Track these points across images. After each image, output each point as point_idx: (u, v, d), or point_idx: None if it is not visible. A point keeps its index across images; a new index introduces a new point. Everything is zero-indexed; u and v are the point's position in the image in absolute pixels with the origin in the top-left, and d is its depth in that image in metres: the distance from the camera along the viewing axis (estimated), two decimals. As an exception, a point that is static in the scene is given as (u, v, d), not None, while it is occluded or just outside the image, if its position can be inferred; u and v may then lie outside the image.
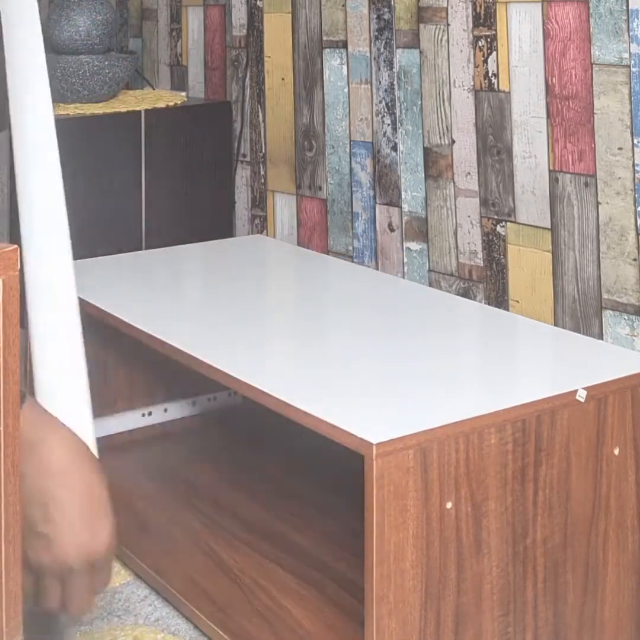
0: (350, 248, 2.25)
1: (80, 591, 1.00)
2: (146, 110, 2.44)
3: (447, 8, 1.99)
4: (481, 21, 1.93)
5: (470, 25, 1.95)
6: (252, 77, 2.49)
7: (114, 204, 2.40)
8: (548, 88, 1.82)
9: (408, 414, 1.29)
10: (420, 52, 2.05)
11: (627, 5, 1.68)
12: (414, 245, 2.10)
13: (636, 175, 1.70)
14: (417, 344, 1.54)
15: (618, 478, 1.37)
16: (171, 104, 2.53)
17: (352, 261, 2.23)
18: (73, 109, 2.44)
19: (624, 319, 1.73)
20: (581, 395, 1.33)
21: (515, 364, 1.52)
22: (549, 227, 1.85)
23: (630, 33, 1.68)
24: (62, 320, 1.12)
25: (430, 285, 2.06)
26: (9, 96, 1.31)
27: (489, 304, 1.94)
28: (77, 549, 0.97)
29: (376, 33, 2.14)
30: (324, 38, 2.27)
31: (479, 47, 1.94)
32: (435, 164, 2.05)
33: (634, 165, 1.70)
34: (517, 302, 1.90)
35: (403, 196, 2.12)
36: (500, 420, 1.27)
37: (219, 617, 1.46)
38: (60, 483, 1.01)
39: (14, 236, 2.07)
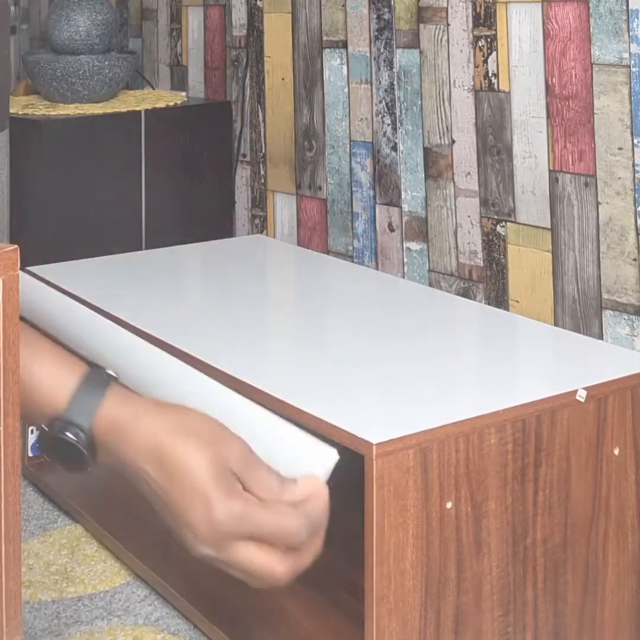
0: (350, 248, 2.25)
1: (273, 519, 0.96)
2: (146, 110, 2.44)
3: (447, 8, 1.99)
4: (481, 21, 1.93)
5: (470, 25, 1.95)
6: (252, 77, 2.49)
7: (114, 203, 2.40)
8: (548, 88, 1.82)
9: (408, 414, 1.29)
10: (420, 52, 2.05)
11: (627, 5, 1.68)
12: (414, 245, 2.10)
13: (636, 175, 1.70)
14: (417, 344, 1.54)
15: (618, 478, 1.37)
16: (171, 104, 2.53)
17: (352, 261, 2.23)
18: (73, 109, 2.44)
19: (624, 319, 1.73)
20: (581, 395, 1.33)
21: (515, 364, 1.52)
22: (549, 227, 1.85)
23: (630, 33, 1.68)
24: None
25: (430, 285, 2.06)
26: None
27: (489, 304, 1.94)
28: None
29: (376, 33, 2.14)
30: (324, 38, 2.27)
31: (479, 47, 1.94)
32: (435, 164, 2.05)
33: (634, 165, 1.70)
34: (517, 302, 1.90)
35: (403, 196, 2.12)
36: (500, 420, 1.27)
37: (219, 617, 1.46)
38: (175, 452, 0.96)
39: (14, 236, 2.07)
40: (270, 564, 1.00)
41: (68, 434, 0.96)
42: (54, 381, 0.98)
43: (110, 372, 1.02)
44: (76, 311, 1.36)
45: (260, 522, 0.96)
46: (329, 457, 1.04)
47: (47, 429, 0.98)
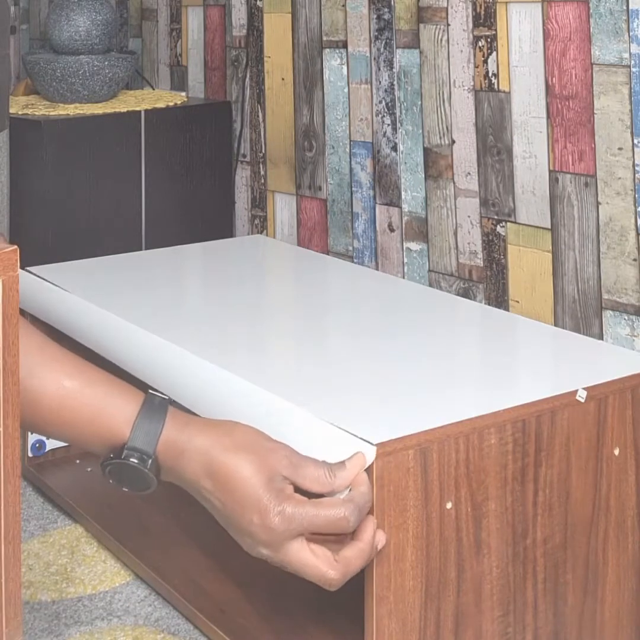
0: (350, 248, 2.25)
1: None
2: (146, 110, 2.44)
3: (447, 8, 1.99)
4: (481, 21, 1.93)
5: (470, 25, 1.95)
6: (252, 77, 2.49)
7: (114, 204, 2.40)
8: (548, 88, 1.82)
9: (408, 414, 1.29)
10: (420, 52, 2.05)
11: (627, 5, 1.68)
12: (414, 246, 2.10)
13: (636, 175, 1.70)
14: (417, 344, 1.54)
15: (618, 478, 1.37)
16: (171, 104, 2.53)
17: (352, 261, 2.23)
18: (73, 109, 2.44)
19: (624, 319, 1.73)
20: (581, 396, 1.33)
21: (515, 364, 1.52)
22: (549, 227, 1.85)
23: (631, 33, 1.68)
24: None
25: (430, 285, 2.06)
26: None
27: (489, 304, 1.94)
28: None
29: (376, 33, 2.14)
30: (324, 38, 2.27)
31: (479, 47, 1.94)
32: (435, 164, 2.05)
33: (634, 165, 1.70)
34: (517, 302, 1.90)
35: (403, 196, 2.12)
36: (500, 420, 1.27)
37: (219, 617, 1.46)
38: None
39: (14, 236, 2.07)
40: (321, 568, 1.10)
41: (134, 460, 1.07)
42: (114, 411, 1.08)
43: (165, 396, 1.12)
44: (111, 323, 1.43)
45: (311, 517, 1.06)
46: (368, 452, 1.14)
47: (112, 456, 1.08)
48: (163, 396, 1.11)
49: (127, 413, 1.08)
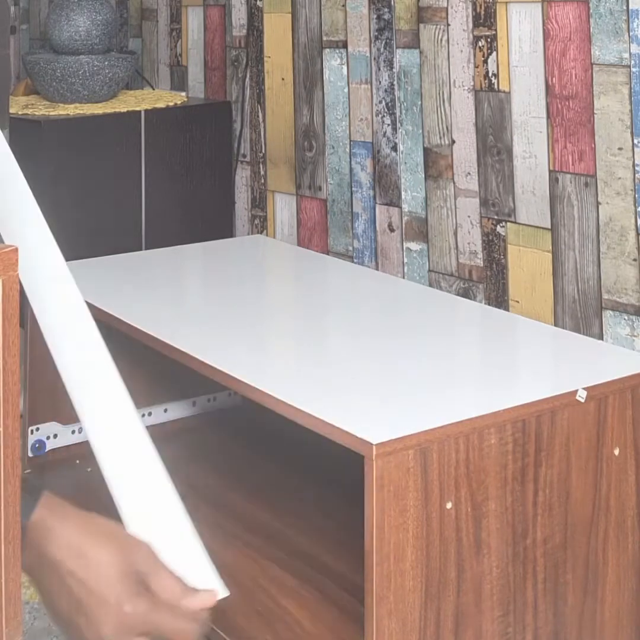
0: (350, 248, 2.25)
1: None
2: (146, 110, 2.44)
3: (447, 8, 1.99)
4: (481, 21, 1.93)
5: (470, 25, 1.95)
6: (252, 77, 2.49)
7: (114, 204, 2.40)
8: (548, 88, 1.82)
9: (408, 414, 1.29)
10: (420, 52, 2.05)
11: (627, 5, 1.68)
12: (414, 246, 2.10)
13: (636, 175, 1.70)
14: (417, 344, 1.54)
15: (618, 478, 1.37)
16: (171, 104, 2.53)
17: (352, 261, 2.23)
18: (73, 109, 2.44)
19: (624, 319, 1.73)
20: (581, 396, 1.33)
21: (515, 364, 1.51)
22: (549, 227, 1.85)
23: (630, 33, 1.68)
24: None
25: (430, 285, 2.06)
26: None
27: (489, 304, 1.94)
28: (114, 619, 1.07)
29: (376, 33, 2.14)
30: (324, 38, 2.27)
31: (479, 47, 1.94)
32: (435, 164, 2.05)
33: (634, 165, 1.70)
34: (517, 302, 1.90)
35: (403, 196, 2.12)
36: (500, 420, 1.27)
37: (219, 617, 1.46)
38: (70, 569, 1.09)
39: (14, 236, 2.06)
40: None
41: None
42: None
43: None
44: None
45: (162, 621, 1.09)
46: (223, 591, 1.13)
47: None
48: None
49: None
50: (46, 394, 1.91)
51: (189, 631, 1.10)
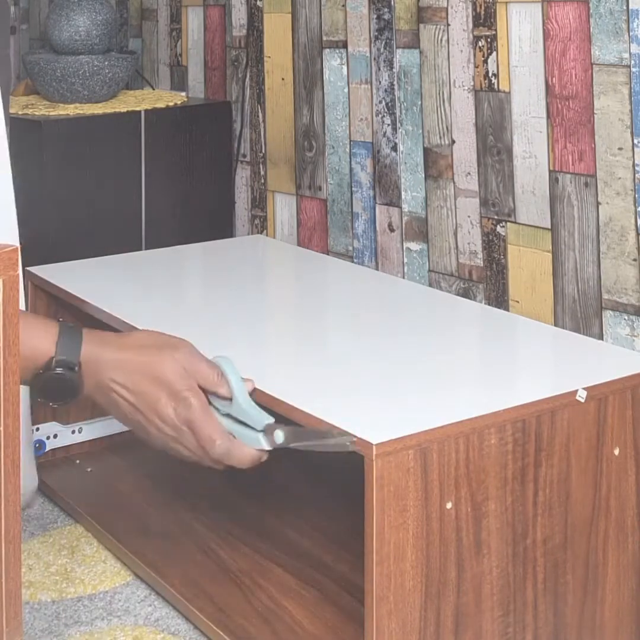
0: (350, 248, 2.25)
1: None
2: (146, 110, 2.44)
3: (447, 8, 1.99)
4: (481, 21, 1.93)
5: (470, 25, 1.95)
6: (252, 77, 2.49)
7: (114, 204, 2.40)
8: (548, 88, 1.82)
9: (408, 414, 1.29)
10: (420, 52, 2.05)
11: (627, 5, 1.68)
12: (414, 246, 2.10)
13: (636, 175, 1.70)
14: (417, 344, 1.55)
15: (618, 478, 1.37)
16: (171, 104, 2.53)
17: (352, 261, 2.23)
18: (73, 109, 2.44)
19: (624, 319, 1.73)
20: (581, 396, 1.33)
21: (515, 364, 1.52)
22: (549, 227, 1.85)
23: (631, 33, 1.68)
24: None
25: (430, 285, 2.06)
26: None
27: (489, 304, 1.94)
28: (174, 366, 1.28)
29: (376, 33, 2.15)
30: (324, 38, 2.27)
31: (479, 47, 1.94)
32: (435, 164, 2.05)
33: (634, 165, 1.70)
34: (517, 302, 1.91)
35: (403, 196, 2.12)
36: (500, 420, 1.27)
37: (219, 617, 1.46)
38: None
39: (14, 236, 2.05)
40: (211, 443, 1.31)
41: (60, 370, 1.26)
42: (36, 335, 1.26)
43: (76, 324, 1.32)
44: None
45: (199, 418, 1.28)
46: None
47: (42, 371, 1.26)
48: (74, 324, 1.31)
49: (48, 335, 1.26)
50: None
51: (219, 445, 1.28)
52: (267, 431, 1.31)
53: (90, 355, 1.26)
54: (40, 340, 1.25)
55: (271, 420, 1.31)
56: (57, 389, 1.27)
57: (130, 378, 1.26)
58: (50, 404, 1.30)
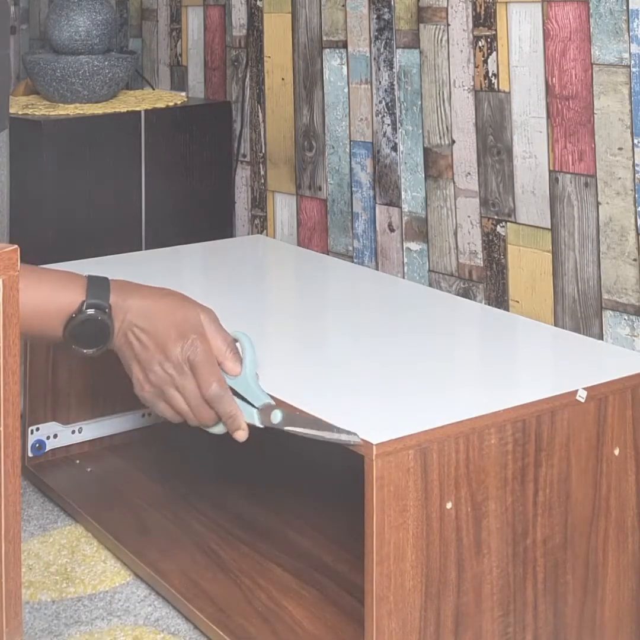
0: (350, 248, 2.25)
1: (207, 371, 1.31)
2: (146, 110, 2.44)
3: (447, 8, 1.99)
4: (481, 21, 1.93)
5: (470, 25, 1.95)
6: (252, 77, 2.49)
7: (114, 204, 2.40)
8: (548, 88, 1.82)
9: (408, 414, 1.29)
10: (420, 52, 2.05)
11: (627, 5, 1.68)
12: (414, 246, 2.10)
13: (636, 175, 1.70)
14: (417, 344, 1.54)
15: (618, 478, 1.37)
16: (171, 104, 2.53)
17: (352, 261, 2.23)
18: (73, 109, 2.44)
19: (624, 319, 1.73)
20: (581, 396, 1.33)
21: (515, 364, 1.52)
22: (549, 227, 1.85)
23: (630, 33, 1.68)
24: None
25: (430, 285, 2.06)
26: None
27: (489, 304, 1.94)
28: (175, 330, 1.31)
29: (376, 33, 2.15)
30: (324, 38, 2.27)
31: (479, 47, 1.94)
32: (435, 164, 2.05)
33: (634, 165, 1.70)
34: (517, 302, 1.91)
35: (403, 196, 2.12)
36: (500, 420, 1.27)
37: (219, 617, 1.46)
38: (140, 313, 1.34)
39: (14, 236, 2.07)
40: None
41: (91, 311, 1.29)
42: (68, 285, 1.30)
43: (104, 276, 1.35)
44: None
45: (204, 365, 1.32)
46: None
47: (74, 315, 1.28)
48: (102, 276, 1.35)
49: (77, 286, 1.29)
50: (46, 394, 1.91)
51: (214, 388, 1.31)
52: (265, 410, 1.31)
53: (117, 300, 1.30)
54: (71, 290, 1.29)
55: (272, 402, 1.32)
56: (90, 333, 1.30)
57: (150, 323, 1.31)
58: (84, 351, 1.32)
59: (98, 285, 1.31)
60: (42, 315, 1.28)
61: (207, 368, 1.31)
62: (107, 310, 1.30)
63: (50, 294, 1.29)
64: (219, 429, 1.35)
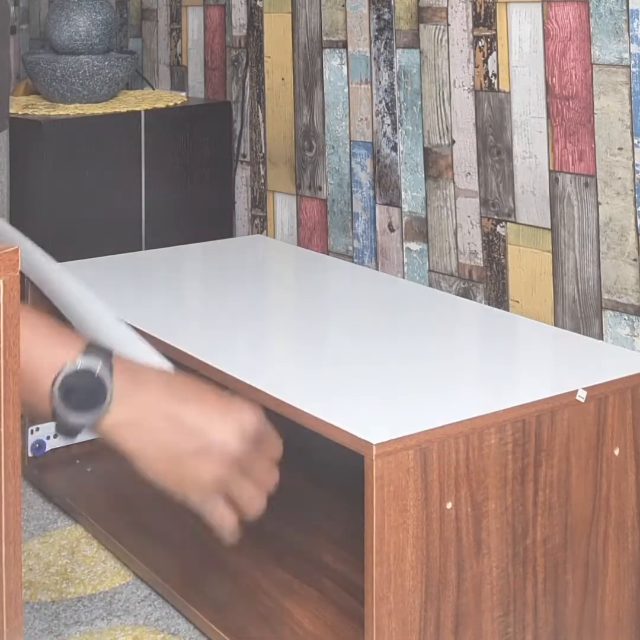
0: (350, 248, 2.25)
1: (250, 484, 1.12)
2: (146, 110, 2.44)
3: (447, 8, 1.99)
4: (481, 21, 1.93)
5: (470, 25, 1.95)
6: (252, 77, 2.49)
7: (114, 204, 2.40)
8: (548, 88, 1.82)
9: (408, 414, 1.29)
10: (420, 52, 2.05)
11: (627, 5, 1.68)
12: (414, 246, 2.10)
13: (636, 175, 1.70)
14: (417, 344, 1.55)
15: (618, 478, 1.37)
16: (171, 104, 2.53)
17: (352, 261, 2.23)
18: (73, 109, 2.44)
19: (624, 319, 1.73)
20: (581, 396, 1.33)
21: (515, 364, 1.52)
22: (549, 227, 1.85)
23: (630, 33, 1.68)
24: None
25: (430, 285, 2.06)
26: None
27: (489, 304, 1.94)
28: (226, 428, 1.07)
29: (376, 33, 2.14)
30: (324, 38, 2.27)
31: (479, 47, 1.94)
32: (435, 164, 2.05)
33: (634, 165, 1.70)
34: (517, 302, 1.91)
35: (403, 196, 2.12)
36: (500, 420, 1.27)
37: (219, 617, 1.46)
38: (180, 401, 1.08)
39: (14, 236, 2.05)
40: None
41: (90, 360, 1.03)
42: (60, 342, 1.05)
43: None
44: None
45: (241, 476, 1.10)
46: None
47: (67, 364, 1.02)
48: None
49: (73, 343, 1.05)
50: (46, 394, 1.91)
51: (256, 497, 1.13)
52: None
53: (125, 369, 1.05)
54: (63, 348, 1.05)
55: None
56: (82, 389, 1.03)
57: (185, 400, 1.07)
58: (72, 417, 1.05)
59: (99, 347, 1.06)
60: (29, 371, 1.02)
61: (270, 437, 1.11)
62: (108, 360, 1.04)
63: (42, 346, 1.03)
64: None
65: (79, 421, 1.05)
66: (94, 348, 1.05)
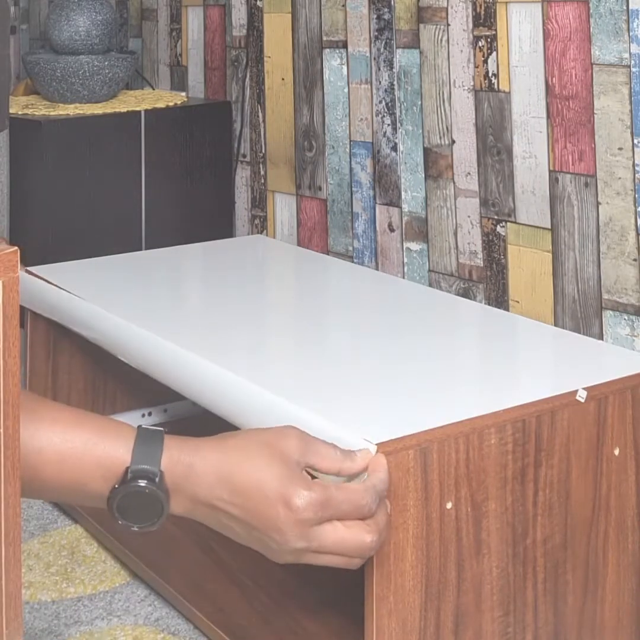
0: (350, 248, 2.25)
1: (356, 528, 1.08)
2: (146, 110, 2.44)
3: (447, 8, 1.99)
4: (481, 21, 1.93)
5: (470, 25, 1.95)
6: (252, 77, 2.49)
7: (114, 204, 2.40)
8: (548, 88, 1.82)
9: (408, 414, 1.29)
10: (420, 52, 2.05)
11: (627, 5, 1.68)
12: (414, 246, 2.10)
13: (636, 175, 1.70)
14: (417, 344, 1.55)
15: (618, 478, 1.37)
16: (171, 104, 2.53)
17: (352, 261, 2.23)
18: (73, 109, 2.44)
19: (624, 319, 1.73)
20: (581, 396, 1.33)
21: (515, 364, 1.52)
22: (549, 227, 1.85)
23: (631, 33, 1.68)
24: None
25: (430, 285, 2.06)
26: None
27: (489, 304, 1.94)
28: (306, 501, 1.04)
29: (376, 33, 2.14)
30: (324, 38, 2.27)
31: (479, 47, 1.94)
32: (435, 164, 2.05)
33: (634, 165, 1.70)
34: (517, 302, 1.91)
35: (403, 196, 2.12)
36: (500, 420, 1.27)
37: (219, 617, 1.46)
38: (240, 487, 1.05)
39: (14, 236, 2.07)
40: (360, 535, 1.09)
41: (141, 482, 1.03)
42: (110, 441, 1.05)
43: (158, 428, 1.09)
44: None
45: (338, 502, 1.05)
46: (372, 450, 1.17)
47: (117, 486, 1.04)
48: (158, 428, 1.10)
49: (124, 440, 1.05)
50: (46, 394, 1.91)
51: (369, 503, 1.08)
52: None
53: (176, 464, 1.04)
54: (114, 445, 1.04)
55: None
56: (141, 507, 1.04)
57: (236, 492, 1.04)
58: (135, 527, 1.08)
59: (148, 442, 1.05)
60: (76, 467, 1.03)
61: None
62: (157, 479, 1.04)
63: (91, 446, 1.03)
64: None
65: (141, 527, 1.08)
66: (142, 445, 1.04)
